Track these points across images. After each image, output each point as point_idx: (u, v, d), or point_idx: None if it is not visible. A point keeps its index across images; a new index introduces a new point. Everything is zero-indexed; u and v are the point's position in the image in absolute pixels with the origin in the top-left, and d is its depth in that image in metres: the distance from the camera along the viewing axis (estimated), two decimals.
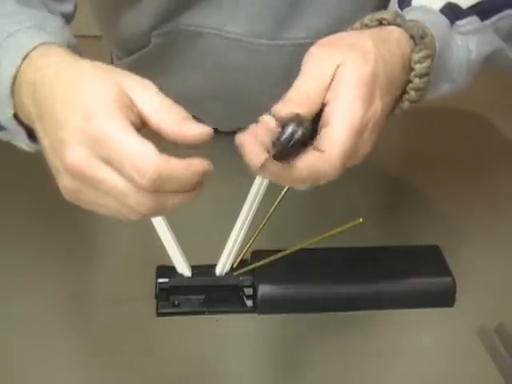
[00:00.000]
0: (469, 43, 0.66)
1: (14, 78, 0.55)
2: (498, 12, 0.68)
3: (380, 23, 0.60)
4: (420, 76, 0.60)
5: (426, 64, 0.60)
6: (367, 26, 0.60)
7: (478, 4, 0.67)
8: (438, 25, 0.64)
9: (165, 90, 0.98)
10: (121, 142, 0.49)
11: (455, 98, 0.76)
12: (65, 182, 0.52)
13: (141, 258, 0.78)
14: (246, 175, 0.66)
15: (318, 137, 0.55)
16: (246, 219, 0.70)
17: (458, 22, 0.66)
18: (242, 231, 0.71)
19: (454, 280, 0.74)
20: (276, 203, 0.73)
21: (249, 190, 0.69)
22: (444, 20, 0.65)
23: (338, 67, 0.56)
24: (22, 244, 0.80)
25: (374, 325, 0.72)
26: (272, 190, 0.69)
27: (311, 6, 0.82)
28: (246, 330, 0.71)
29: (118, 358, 0.68)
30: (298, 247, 0.71)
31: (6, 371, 0.67)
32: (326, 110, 0.56)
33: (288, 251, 0.71)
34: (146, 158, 0.48)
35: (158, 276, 0.73)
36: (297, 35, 0.82)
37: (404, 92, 0.62)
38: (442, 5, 0.66)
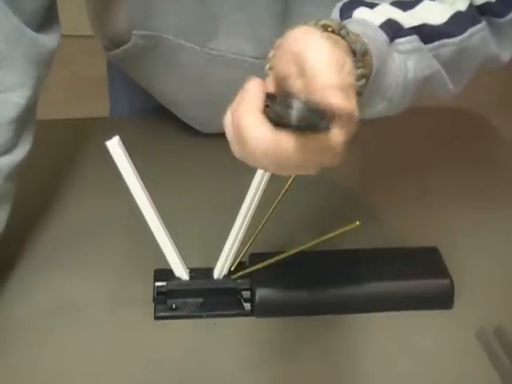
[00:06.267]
0: (407, 62, 0.63)
1: None
2: (438, 39, 0.66)
3: (325, 29, 0.56)
4: None
5: (360, 83, 0.57)
6: None
7: (418, 26, 0.65)
8: (376, 41, 0.60)
9: (149, 91, 0.98)
10: None
11: (455, 98, 0.76)
12: None
13: (138, 261, 0.78)
14: (243, 178, 0.66)
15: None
16: (243, 222, 0.70)
17: (398, 40, 0.63)
18: (240, 234, 0.71)
19: (452, 282, 0.74)
20: (273, 206, 0.73)
21: (246, 192, 0.69)
22: (383, 36, 0.62)
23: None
24: (20, 246, 0.80)
25: (372, 327, 0.72)
26: (269, 193, 0.69)
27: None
28: (244, 333, 0.71)
29: (116, 361, 0.68)
30: (295, 250, 0.71)
31: (3, 372, 0.67)
32: None
33: (285, 254, 0.71)
34: None
35: (156, 279, 0.73)
36: None
37: None
38: (383, 20, 0.63)
